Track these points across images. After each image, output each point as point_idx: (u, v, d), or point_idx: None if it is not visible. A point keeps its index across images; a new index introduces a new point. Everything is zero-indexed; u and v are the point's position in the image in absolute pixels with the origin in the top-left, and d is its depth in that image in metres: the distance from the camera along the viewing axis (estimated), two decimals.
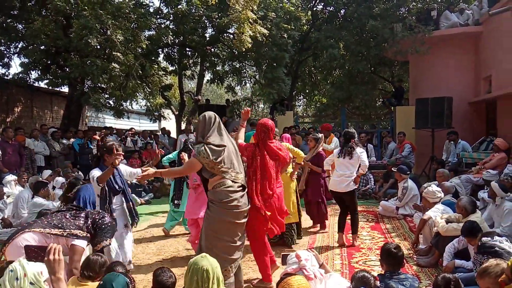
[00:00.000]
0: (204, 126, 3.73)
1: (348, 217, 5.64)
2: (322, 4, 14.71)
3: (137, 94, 10.10)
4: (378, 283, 2.98)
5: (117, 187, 4.11)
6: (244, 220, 3.76)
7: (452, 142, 9.04)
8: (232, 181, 3.68)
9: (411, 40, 11.07)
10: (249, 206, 3.81)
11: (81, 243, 3.20)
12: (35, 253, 3.50)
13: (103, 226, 3.34)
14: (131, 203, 4.26)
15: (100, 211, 3.61)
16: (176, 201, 6.17)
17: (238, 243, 3.74)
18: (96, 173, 4.02)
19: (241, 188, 3.74)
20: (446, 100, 9.49)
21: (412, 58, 12.39)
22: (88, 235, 3.26)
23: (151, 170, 3.97)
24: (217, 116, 3.82)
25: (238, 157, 3.86)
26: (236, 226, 3.70)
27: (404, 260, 3.33)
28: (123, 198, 4.24)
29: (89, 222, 3.31)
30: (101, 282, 2.57)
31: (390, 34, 11.67)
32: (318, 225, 6.51)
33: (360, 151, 5.45)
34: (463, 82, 11.04)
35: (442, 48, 11.20)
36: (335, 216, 7.40)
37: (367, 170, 9.17)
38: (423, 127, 9.95)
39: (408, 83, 14.48)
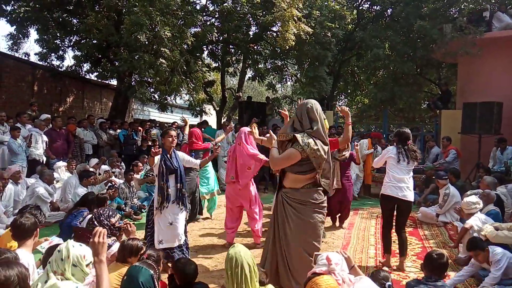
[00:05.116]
0: (309, 114, 3.48)
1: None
2: (369, 3, 14.43)
3: (181, 89, 10.35)
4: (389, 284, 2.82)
5: (172, 167, 4.45)
6: None
7: (499, 149, 8.65)
8: (323, 183, 3.56)
9: (461, 41, 10.62)
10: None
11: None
12: (82, 234, 3.77)
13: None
14: (180, 185, 4.50)
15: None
16: None
17: (320, 246, 3.56)
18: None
19: (324, 191, 3.62)
20: (496, 105, 9.07)
21: (461, 60, 11.88)
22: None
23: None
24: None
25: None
26: (322, 227, 3.60)
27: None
28: (175, 179, 4.50)
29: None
30: (126, 276, 2.59)
31: (439, 35, 11.26)
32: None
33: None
34: None
35: (494, 51, 10.64)
36: (366, 219, 7.33)
37: None
38: (469, 133, 9.57)
39: (455, 86, 13.92)
